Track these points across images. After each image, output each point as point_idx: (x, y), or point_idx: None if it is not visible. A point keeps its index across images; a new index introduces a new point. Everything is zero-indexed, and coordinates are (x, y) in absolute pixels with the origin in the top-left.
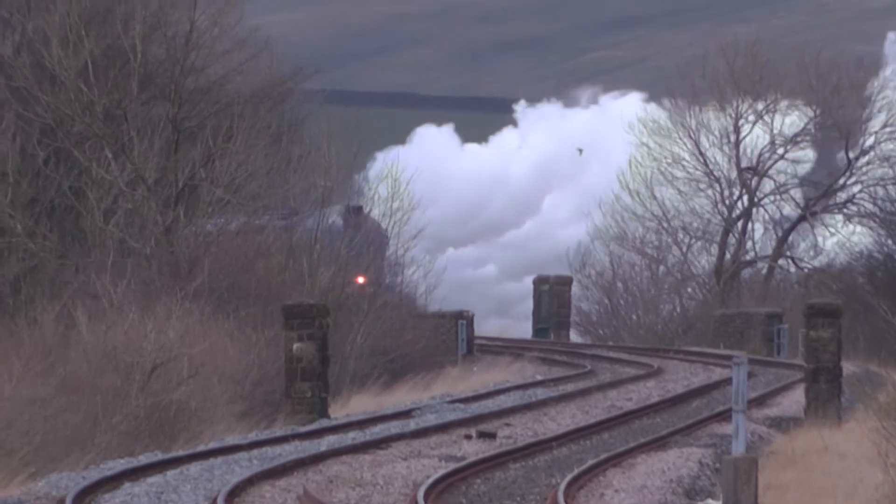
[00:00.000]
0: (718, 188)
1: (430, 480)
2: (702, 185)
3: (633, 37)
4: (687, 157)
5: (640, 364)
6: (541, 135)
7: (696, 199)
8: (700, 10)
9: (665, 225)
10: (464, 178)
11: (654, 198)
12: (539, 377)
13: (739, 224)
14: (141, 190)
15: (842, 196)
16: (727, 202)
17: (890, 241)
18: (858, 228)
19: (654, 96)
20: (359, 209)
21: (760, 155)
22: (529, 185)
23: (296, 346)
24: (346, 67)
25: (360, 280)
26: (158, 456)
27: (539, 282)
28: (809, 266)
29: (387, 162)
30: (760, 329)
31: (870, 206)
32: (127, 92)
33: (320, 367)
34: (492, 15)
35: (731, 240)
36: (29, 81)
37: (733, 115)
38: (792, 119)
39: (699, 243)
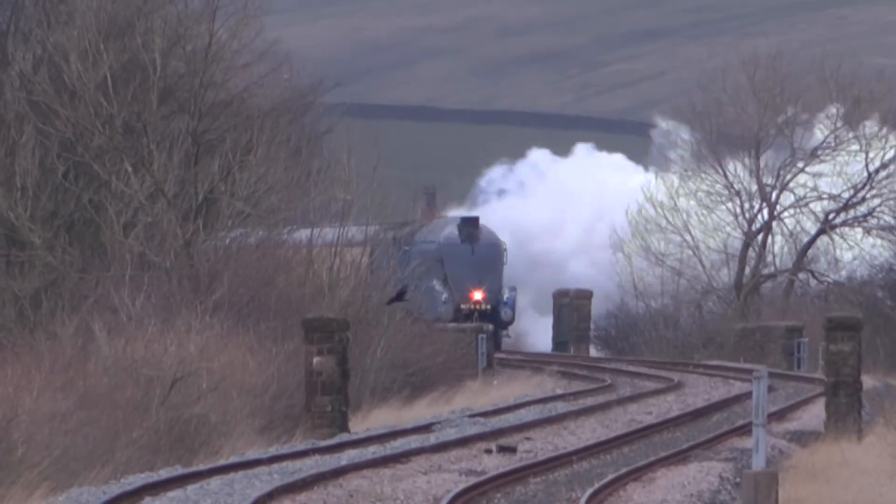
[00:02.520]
0: (738, 201)
1: (451, 495)
2: (722, 198)
3: (653, 50)
4: (708, 171)
5: (659, 378)
6: None
7: (716, 211)
8: (720, 23)
9: (687, 238)
10: None
11: (677, 209)
12: (559, 391)
13: (759, 237)
14: (160, 203)
15: (861, 209)
16: (747, 215)
17: None
18: (878, 242)
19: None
20: (475, 220)
21: (780, 168)
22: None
23: (316, 359)
24: (366, 81)
25: (479, 295)
26: (179, 470)
27: (559, 295)
28: (829, 279)
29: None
30: (780, 343)
31: (890, 220)
32: (146, 105)
33: (340, 380)
34: (511, 29)
35: (752, 253)
36: (48, 96)
37: (754, 129)
38: (812, 132)
39: (720, 256)
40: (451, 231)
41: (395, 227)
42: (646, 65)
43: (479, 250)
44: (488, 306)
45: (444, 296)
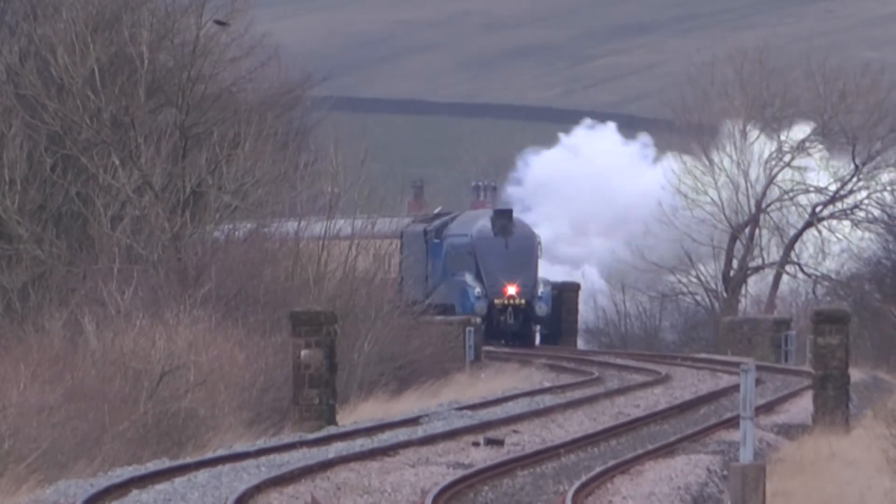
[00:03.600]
0: (725, 194)
1: (438, 487)
2: (708, 191)
3: (642, 44)
4: (695, 164)
5: (647, 371)
6: None
7: (703, 205)
8: (708, 16)
9: (673, 231)
10: None
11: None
12: (547, 384)
13: (746, 230)
14: (148, 196)
15: (849, 202)
16: (734, 208)
17: None
18: (866, 235)
19: (662, 103)
20: (509, 213)
21: (767, 161)
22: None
23: (303, 352)
24: (354, 74)
25: (513, 290)
26: (166, 463)
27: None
28: (816, 273)
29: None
30: (768, 336)
31: (877, 212)
32: (134, 99)
33: (328, 373)
34: (499, 22)
35: (738, 246)
36: (36, 89)
37: (741, 122)
38: (799, 125)
39: (706, 250)
40: (484, 223)
41: (426, 218)
42: (634, 58)
43: (513, 243)
44: (523, 301)
45: (477, 290)
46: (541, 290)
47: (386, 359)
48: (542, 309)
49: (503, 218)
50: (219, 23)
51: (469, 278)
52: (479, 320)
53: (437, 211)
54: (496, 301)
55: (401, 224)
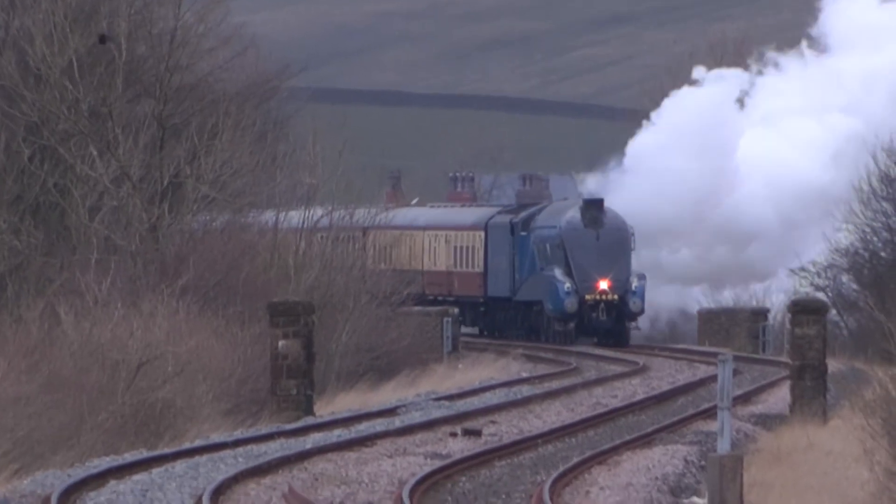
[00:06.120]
0: None
1: (416, 478)
2: None
3: (620, 35)
4: None
5: (625, 361)
6: None
7: None
8: (686, 8)
9: None
10: None
11: None
12: (524, 374)
13: None
14: (126, 187)
15: None
16: None
17: (875, 239)
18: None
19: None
20: (599, 203)
21: None
22: None
23: (281, 343)
24: (332, 65)
25: (605, 285)
26: (144, 454)
27: None
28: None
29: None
30: (746, 326)
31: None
32: (112, 89)
33: (306, 364)
34: (477, 13)
35: None
36: (13, 79)
37: None
38: None
39: None
40: (574, 214)
41: (512, 209)
42: (612, 50)
43: (604, 235)
44: (615, 296)
45: (567, 286)
46: (635, 284)
47: (363, 349)
48: (636, 305)
49: (593, 208)
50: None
51: (558, 273)
52: (455, 311)
53: (414, 202)
54: (587, 297)
55: (485, 215)
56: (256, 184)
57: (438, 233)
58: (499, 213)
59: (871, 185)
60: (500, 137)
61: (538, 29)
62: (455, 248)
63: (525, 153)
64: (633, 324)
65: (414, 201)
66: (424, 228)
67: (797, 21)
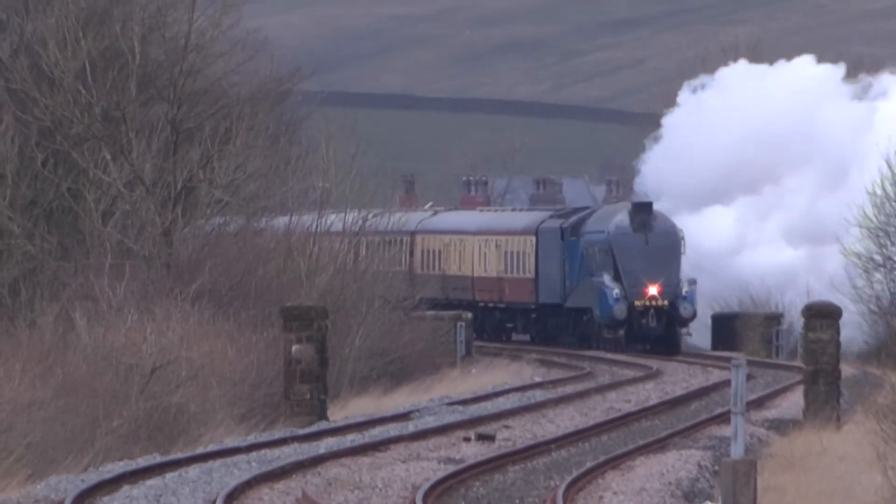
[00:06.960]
0: None
1: (429, 483)
2: None
3: (632, 38)
4: None
5: (638, 366)
6: None
7: None
8: (699, 11)
9: None
10: None
11: None
12: (538, 379)
13: None
14: (139, 191)
15: None
16: None
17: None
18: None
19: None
20: (648, 206)
21: None
22: None
23: (295, 347)
24: (344, 69)
25: (654, 290)
26: (157, 458)
27: None
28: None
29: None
30: (759, 331)
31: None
32: (125, 93)
33: (319, 369)
34: (489, 17)
35: None
36: (27, 83)
37: None
38: None
39: None
40: (622, 218)
41: (563, 213)
42: (624, 53)
43: (653, 239)
44: (665, 302)
45: (616, 292)
46: (685, 289)
47: (377, 354)
48: (686, 310)
49: (643, 212)
50: None
51: (607, 279)
52: (469, 316)
53: (427, 206)
54: (636, 303)
55: (536, 219)
56: (269, 188)
57: (489, 238)
58: (549, 217)
59: (884, 189)
60: (512, 141)
61: (550, 32)
62: (506, 253)
63: (537, 157)
64: (685, 330)
65: (427, 205)
66: (475, 234)
67: (808, 24)
